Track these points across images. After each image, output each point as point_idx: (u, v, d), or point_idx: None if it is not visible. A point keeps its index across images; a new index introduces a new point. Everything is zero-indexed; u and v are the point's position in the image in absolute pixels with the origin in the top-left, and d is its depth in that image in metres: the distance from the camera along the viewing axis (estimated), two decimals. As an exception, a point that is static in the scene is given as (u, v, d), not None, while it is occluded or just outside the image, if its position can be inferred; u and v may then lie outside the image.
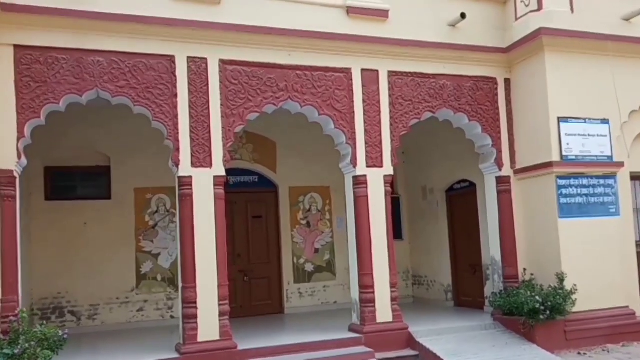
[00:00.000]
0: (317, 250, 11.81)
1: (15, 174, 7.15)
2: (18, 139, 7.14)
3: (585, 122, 8.97)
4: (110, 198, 10.73)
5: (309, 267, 11.72)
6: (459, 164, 10.64)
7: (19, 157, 7.16)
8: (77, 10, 7.38)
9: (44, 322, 9.78)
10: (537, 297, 8.22)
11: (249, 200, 11.61)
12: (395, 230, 11.98)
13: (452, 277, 11.24)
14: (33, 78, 7.24)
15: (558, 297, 8.23)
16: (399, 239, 12.36)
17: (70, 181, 10.73)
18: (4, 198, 7.02)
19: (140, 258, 10.71)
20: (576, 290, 8.40)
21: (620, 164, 9.16)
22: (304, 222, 11.78)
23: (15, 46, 7.22)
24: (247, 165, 11.57)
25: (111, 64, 7.56)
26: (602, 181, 9.02)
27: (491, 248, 9.51)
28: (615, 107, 9.11)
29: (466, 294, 10.87)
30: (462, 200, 10.97)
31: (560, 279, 8.49)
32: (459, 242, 11.18)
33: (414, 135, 11.72)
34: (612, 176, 9.10)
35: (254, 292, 11.41)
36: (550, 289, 8.42)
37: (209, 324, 7.61)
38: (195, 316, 7.56)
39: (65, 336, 6.82)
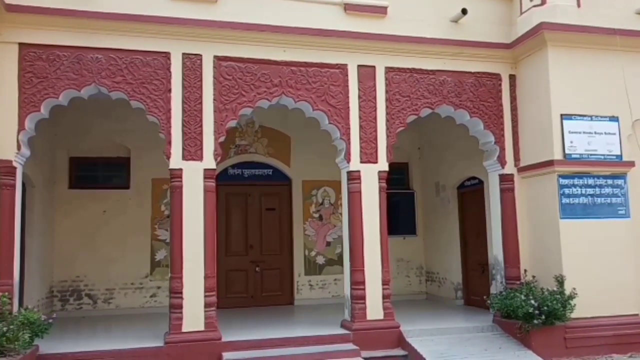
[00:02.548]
0: (328, 244, 11.91)
1: (15, 164, 7.53)
2: (19, 131, 7.53)
3: (591, 120, 8.64)
4: (129, 188, 11.23)
5: (320, 260, 11.85)
6: (468, 160, 10.45)
7: (19, 148, 7.53)
8: (78, 10, 7.74)
9: (63, 304, 10.62)
10: (532, 301, 7.97)
11: (263, 193, 11.87)
12: (409, 226, 12.20)
13: (463, 275, 11.10)
14: (35, 74, 7.64)
15: (555, 301, 7.94)
16: (413, 235, 12.38)
17: (93, 171, 11.33)
18: (3, 187, 7.40)
19: (155, 246, 11.14)
20: (576, 294, 8.08)
21: (631, 163, 8.75)
22: (316, 215, 11.92)
23: (20, 44, 7.65)
24: (262, 159, 11.83)
25: (109, 61, 7.87)
26: (609, 181, 8.66)
27: (494, 248, 9.31)
28: (625, 104, 8.73)
29: (476, 292, 10.68)
30: (472, 198, 10.79)
31: (560, 282, 8.20)
32: (469, 240, 11.01)
33: (430, 130, 11.75)
34: (622, 176, 8.72)
35: (265, 282, 11.67)
36: (547, 292, 8.14)
37: (193, 315, 7.78)
38: (180, 306, 7.76)
39: (50, 321, 7.08)
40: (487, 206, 10.00)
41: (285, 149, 11.90)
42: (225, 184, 11.57)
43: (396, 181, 12.61)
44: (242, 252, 11.61)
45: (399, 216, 12.40)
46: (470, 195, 10.87)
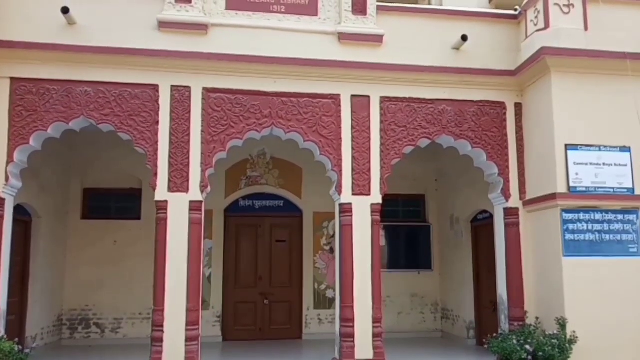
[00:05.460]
0: (339, 277, 11.57)
1: (4, 196, 7.66)
2: (7, 163, 7.68)
3: (599, 150, 8.08)
4: (140, 219, 11.27)
5: (330, 294, 11.49)
6: (480, 193, 9.93)
7: (7, 180, 7.67)
8: (68, 45, 7.88)
9: (72, 332, 10.74)
10: (527, 346, 7.45)
11: (274, 225, 11.73)
12: (425, 260, 11.77)
13: (475, 313, 10.51)
14: (25, 107, 7.81)
15: (551, 347, 7.36)
16: (428, 270, 11.89)
17: (106, 202, 11.48)
18: (-10, 217, 7.54)
19: (163, 276, 11.11)
20: (576, 338, 7.50)
21: (644, 197, 8.12)
22: (327, 247, 11.63)
23: (12, 78, 7.84)
24: (273, 190, 11.70)
25: (98, 93, 7.97)
26: (620, 216, 8.03)
27: (499, 286, 8.79)
28: (638, 133, 8.13)
29: (488, 332, 9.98)
30: (485, 232, 10.25)
31: (561, 324, 7.62)
32: (482, 276, 10.44)
33: (446, 160, 11.35)
34: (634, 211, 8.07)
35: (273, 315, 11.43)
36: (543, 337, 7.56)
37: (174, 349, 7.65)
38: (161, 339, 7.66)
39: (27, 351, 7.14)
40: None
41: (297, 180, 11.73)
42: (236, 215, 11.61)
43: (412, 213, 12.28)
44: (251, 284, 11.46)
45: (415, 250, 12.00)
46: (483, 229, 10.35)
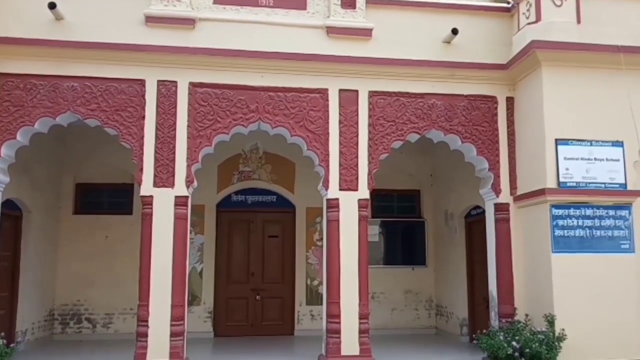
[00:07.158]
0: (332, 273, 11.50)
1: (-10, 190, 7.69)
2: (-7, 158, 7.69)
3: (591, 145, 7.96)
4: (132, 214, 11.21)
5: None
6: (473, 188, 9.82)
7: (-7, 174, 7.69)
8: (55, 40, 7.85)
9: (63, 327, 10.74)
10: (514, 343, 7.36)
11: (266, 220, 11.67)
12: (419, 256, 11.70)
13: (469, 309, 10.41)
14: (12, 102, 7.79)
15: (537, 343, 7.27)
16: (423, 266, 11.80)
17: (98, 197, 11.46)
18: (-25, 212, 7.57)
19: (155, 272, 11.08)
20: (565, 336, 7.40)
21: (636, 193, 7.96)
22: (320, 243, 11.47)
23: (0, 74, 7.84)
24: (266, 185, 11.64)
25: (84, 89, 7.93)
26: (611, 212, 7.91)
27: (489, 282, 8.69)
28: (631, 127, 8.00)
29: (481, 329, 9.91)
30: (478, 228, 10.13)
31: (550, 321, 7.53)
32: (476, 273, 10.32)
33: (442, 155, 11.24)
34: (626, 206, 7.95)
35: (265, 311, 11.38)
36: (530, 334, 7.46)
37: (159, 344, 7.63)
38: (145, 335, 7.65)
39: (12, 345, 7.17)
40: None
41: (290, 175, 11.65)
42: (228, 211, 11.56)
43: (407, 209, 12.20)
44: (243, 279, 11.41)
45: (409, 245, 11.92)
46: (477, 225, 10.23)
